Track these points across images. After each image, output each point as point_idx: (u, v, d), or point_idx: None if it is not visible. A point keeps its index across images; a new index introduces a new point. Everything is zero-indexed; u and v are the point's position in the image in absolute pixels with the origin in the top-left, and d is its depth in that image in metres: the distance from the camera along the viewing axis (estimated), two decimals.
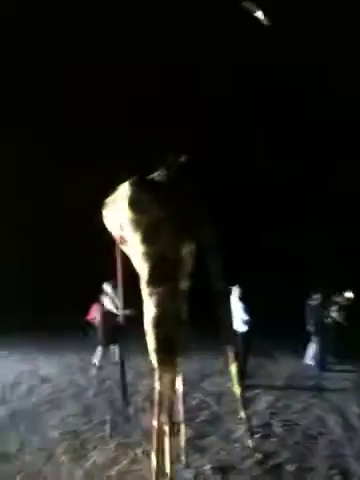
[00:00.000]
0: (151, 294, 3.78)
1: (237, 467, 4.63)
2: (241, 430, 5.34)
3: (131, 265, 4.07)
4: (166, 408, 3.87)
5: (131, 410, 6.42)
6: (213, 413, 6.47)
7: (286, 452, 5.03)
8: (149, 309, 3.81)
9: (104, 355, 8.66)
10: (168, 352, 3.80)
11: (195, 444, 5.21)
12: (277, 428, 5.85)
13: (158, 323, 3.75)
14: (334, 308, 12.56)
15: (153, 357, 3.83)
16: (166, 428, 3.88)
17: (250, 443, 4.85)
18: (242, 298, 8.18)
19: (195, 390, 7.64)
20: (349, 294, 14.28)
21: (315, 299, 10.57)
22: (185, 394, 4.55)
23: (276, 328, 11.10)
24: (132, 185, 3.77)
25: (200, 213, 4.11)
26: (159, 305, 3.75)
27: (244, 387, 4.32)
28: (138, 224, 3.71)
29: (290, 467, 4.68)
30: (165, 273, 3.76)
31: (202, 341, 9.71)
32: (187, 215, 3.91)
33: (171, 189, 3.94)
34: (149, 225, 3.70)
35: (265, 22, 4.86)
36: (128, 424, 5.91)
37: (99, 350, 8.68)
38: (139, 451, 5.00)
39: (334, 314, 12.38)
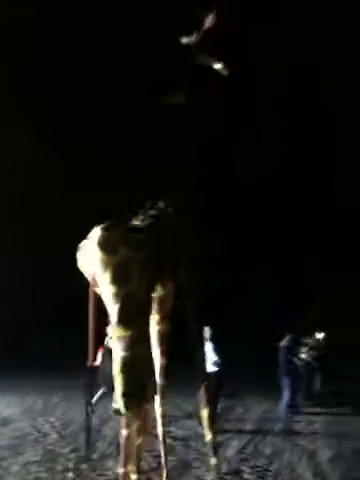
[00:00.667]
0: (120, 337, 3.73)
1: None
2: (210, 477, 5.15)
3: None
4: (133, 455, 3.76)
5: (95, 456, 6.15)
6: (181, 459, 6.25)
7: None
8: (118, 353, 3.73)
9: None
10: (137, 397, 3.71)
11: None
12: (247, 475, 5.68)
13: (127, 367, 3.66)
14: (304, 350, 12.59)
15: (120, 402, 3.71)
16: (133, 476, 3.75)
17: None
18: (212, 339, 8.09)
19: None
20: (320, 335, 14.39)
21: (285, 341, 10.55)
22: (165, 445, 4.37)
23: (246, 370, 11.02)
24: (102, 228, 3.85)
25: (177, 256, 4.15)
26: (128, 348, 3.68)
27: (214, 432, 4.19)
28: (107, 265, 3.73)
29: None
30: (134, 315, 3.73)
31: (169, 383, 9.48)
32: (161, 258, 3.95)
33: (146, 232, 4.00)
34: (117, 266, 3.72)
35: (224, 72, 4.96)
36: (92, 471, 5.63)
37: (99, 392, 8.21)
38: None
39: (304, 355, 12.39)
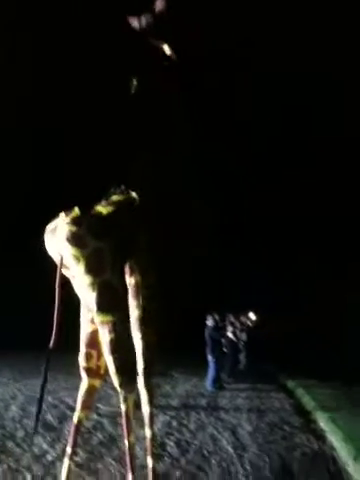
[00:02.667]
0: (103, 321, 3.94)
1: None
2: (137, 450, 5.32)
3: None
4: (133, 427, 4.08)
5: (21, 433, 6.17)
6: (108, 434, 6.38)
7: (178, 472, 5.09)
8: (104, 336, 3.97)
9: None
10: (130, 373, 4.01)
11: (89, 467, 5.10)
12: (171, 448, 5.90)
13: (115, 348, 3.92)
14: (231, 329, 13.07)
15: (115, 380, 3.99)
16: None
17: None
18: None
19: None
20: (251, 315, 14.96)
21: (211, 320, 10.91)
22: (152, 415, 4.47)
23: (175, 347, 11.26)
24: (69, 222, 3.90)
25: (139, 240, 4.31)
26: (112, 331, 3.91)
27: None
28: (78, 258, 3.86)
29: None
30: (113, 301, 3.95)
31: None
32: (126, 242, 4.15)
33: (110, 219, 4.12)
34: (89, 257, 3.85)
35: (172, 56, 4.94)
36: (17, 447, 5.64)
37: None
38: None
39: (230, 334, 12.88)
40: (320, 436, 6.87)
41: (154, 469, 4.16)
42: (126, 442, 4.03)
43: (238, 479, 4.98)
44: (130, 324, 4.17)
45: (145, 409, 4.24)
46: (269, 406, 8.93)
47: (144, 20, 4.77)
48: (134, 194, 4.52)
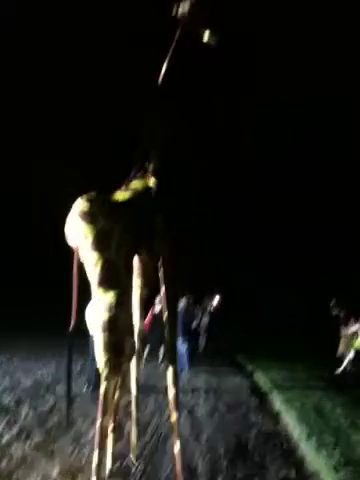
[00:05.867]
0: (101, 299, 3.99)
1: (86, 470, 4.59)
2: (92, 433, 5.33)
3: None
4: (110, 407, 4.15)
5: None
6: (64, 417, 6.33)
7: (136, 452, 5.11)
8: (99, 313, 3.97)
9: None
10: (116, 356, 3.99)
11: (45, 448, 5.06)
12: (129, 429, 5.91)
13: (108, 327, 3.93)
14: (199, 311, 13.21)
15: (101, 358, 3.98)
16: (109, 427, 4.20)
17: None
18: None
19: (48, 393, 7.44)
20: (216, 298, 15.07)
21: (182, 302, 10.95)
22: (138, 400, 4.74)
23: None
24: (84, 200, 4.06)
25: (156, 227, 4.48)
26: (109, 310, 3.94)
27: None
28: (87, 233, 3.97)
29: (139, 467, 4.77)
30: (114, 279, 4.02)
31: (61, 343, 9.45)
32: (139, 229, 4.29)
33: (125, 205, 4.30)
34: (97, 234, 3.97)
35: (213, 42, 4.96)
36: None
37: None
38: None
39: (203, 317, 13.05)
40: (275, 416, 7.06)
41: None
42: (98, 424, 4.00)
43: (194, 459, 5.06)
44: (130, 306, 4.20)
45: (169, 391, 4.55)
46: (226, 387, 9.09)
47: (183, 7, 4.80)
48: (152, 181, 4.66)
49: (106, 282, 3.99)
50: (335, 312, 12.26)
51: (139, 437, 5.00)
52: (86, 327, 4.30)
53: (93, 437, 5.08)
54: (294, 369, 11.02)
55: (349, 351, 11.38)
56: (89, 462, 4.64)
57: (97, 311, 4.04)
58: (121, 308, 4.02)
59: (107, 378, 4.04)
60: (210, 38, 4.94)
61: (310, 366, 11.65)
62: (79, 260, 4.24)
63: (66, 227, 4.33)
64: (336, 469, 4.85)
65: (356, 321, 11.49)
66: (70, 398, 6.42)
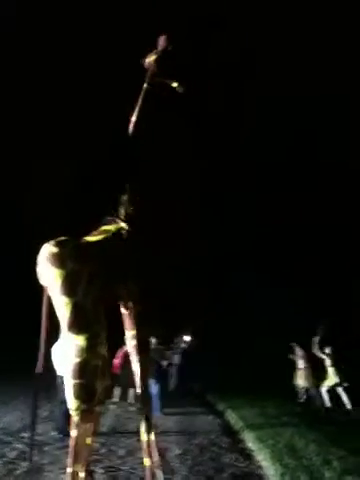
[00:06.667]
0: (72, 342, 3.96)
1: None
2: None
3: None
4: (81, 454, 4.01)
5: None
6: (35, 463, 6.13)
7: None
8: (69, 357, 3.95)
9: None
10: (87, 401, 3.93)
11: None
12: (100, 475, 5.78)
13: (78, 373, 3.90)
14: (171, 351, 13.13)
15: (71, 404, 3.93)
16: (81, 474, 4.00)
17: None
18: None
19: (15, 440, 7.20)
20: (187, 337, 15.04)
21: (154, 342, 10.88)
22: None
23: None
24: (52, 245, 4.11)
25: (126, 270, 4.54)
26: (79, 355, 3.93)
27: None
28: (56, 277, 4.01)
29: None
30: (84, 323, 4.01)
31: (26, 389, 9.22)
32: (109, 271, 4.33)
33: (94, 247, 4.36)
34: (65, 278, 4.00)
35: (180, 90, 5.18)
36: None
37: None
38: None
39: (174, 357, 12.95)
40: (248, 455, 7.01)
41: None
42: (68, 471, 3.94)
43: None
44: (102, 349, 4.14)
45: (143, 437, 4.38)
46: (198, 428, 8.98)
47: (150, 59, 5.02)
48: (124, 224, 4.72)
49: (76, 326, 3.99)
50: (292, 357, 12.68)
51: None
52: (53, 367, 4.28)
53: None
54: (265, 405, 10.98)
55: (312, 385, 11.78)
56: None
57: (67, 355, 4.01)
58: (91, 352, 3.99)
59: (78, 425, 3.99)
60: (178, 87, 5.17)
61: (280, 402, 11.64)
62: (49, 297, 4.26)
63: (37, 267, 4.34)
64: None
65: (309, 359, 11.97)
66: (33, 443, 6.29)
